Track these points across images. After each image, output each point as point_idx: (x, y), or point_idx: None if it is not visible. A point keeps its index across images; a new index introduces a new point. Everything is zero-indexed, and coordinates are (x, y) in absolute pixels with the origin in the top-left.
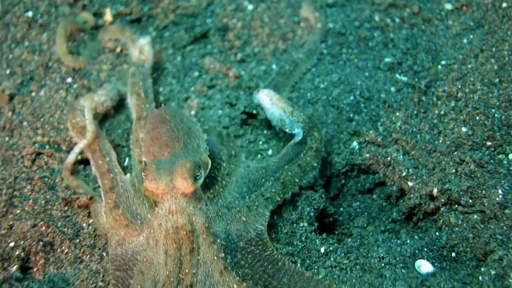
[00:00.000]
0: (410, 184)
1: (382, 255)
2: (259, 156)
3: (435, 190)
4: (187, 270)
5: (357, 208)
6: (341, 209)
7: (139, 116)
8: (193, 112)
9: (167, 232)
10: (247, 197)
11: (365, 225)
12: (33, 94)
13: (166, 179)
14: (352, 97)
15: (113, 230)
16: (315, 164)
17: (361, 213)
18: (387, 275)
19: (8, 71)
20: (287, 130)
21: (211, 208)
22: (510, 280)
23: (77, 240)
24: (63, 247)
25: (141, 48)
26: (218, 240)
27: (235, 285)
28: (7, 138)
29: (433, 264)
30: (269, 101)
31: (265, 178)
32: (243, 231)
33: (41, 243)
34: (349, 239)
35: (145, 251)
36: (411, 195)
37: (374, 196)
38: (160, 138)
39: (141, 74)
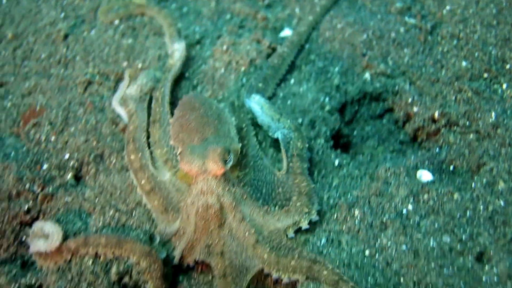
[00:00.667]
0: (415, 109)
1: (388, 167)
2: (282, 85)
3: (436, 114)
4: (216, 241)
5: (369, 131)
6: (355, 132)
7: (154, 119)
8: (225, 47)
9: (197, 210)
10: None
11: (376, 146)
12: (85, 34)
13: (199, 162)
14: (365, 36)
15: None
16: (300, 170)
17: (372, 135)
18: (392, 182)
19: (62, 15)
20: (270, 135)
21: (238, 190)
22: (499, 186)
23: (124, 153)
24: (112, 159)
25: (173, 52)
26: (248, 219)
27: (265, 255)
28: (62, 70)
29: (433, 174)
30: (259, 109)
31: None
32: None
33: (92, 155)
34: (361, 156)
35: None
36: (416, 119)
37: (384, 121)
38: (190, 124)
39: (165, 80)
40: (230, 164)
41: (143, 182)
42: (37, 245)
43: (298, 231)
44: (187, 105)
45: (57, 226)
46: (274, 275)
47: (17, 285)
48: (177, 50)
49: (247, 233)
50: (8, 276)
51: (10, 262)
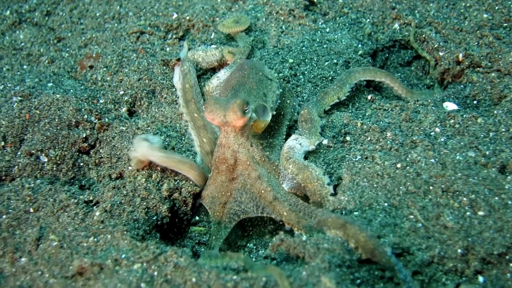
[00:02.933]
0: (441, 54)
1: (417, 102)
2: (319, 33)
3: (460, 56)
4: (223, 193)
5: (399, 77)
6: None
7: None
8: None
9: (214, 161)
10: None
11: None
12: None
13: (221, 112)
14: None
15: None
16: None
17: (402, 81)
18: (420, 111)
19: None
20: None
21: (257, 151)
22: None
23: (173, 89)
24: (163, 94)
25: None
26: (266, 179)
27: (285, 213)
28: (115, 24)
29: (458, 105)
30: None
31: None
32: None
33: (144, 91)
34: (391, 95)
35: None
36: (442, 62)
37: (412, 67)
38: (230, 82)
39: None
40: (248, 115)
41: (205, 140)
42: (141, 146)
43: (336, 150)
44: (239, 67)
45: (159, 137)
46: (294, 230)
47: (76, 200)
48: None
49: (263, 191)
50: (67, 193)
51: (69, 184)
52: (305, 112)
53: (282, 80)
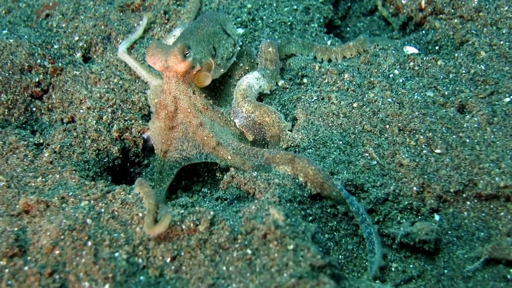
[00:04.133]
0: (403, 1)
1: (377, 43)
2: None
3: (423, 2)
4: (163, 140)
5: (361, 27)
6: (348, 28)
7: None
8: None
9: (156, 106)
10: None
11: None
12: None
13: (162, 57)
14: None
15: None
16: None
17: (364, 31)
18: (380, 54)
19: None
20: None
21: (200, 99)
22: (481, 56)
23: (129, 35)
24: (118, 39)
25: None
26: (208, 126)
27: (229, 157)
28: None
29: (419, 50)
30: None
31: None
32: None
33: (100, 37)
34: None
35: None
36: (404, 10)
37: (375, 17)
38: (185, 30)
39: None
40: (189, 59)
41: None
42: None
43: (292, 92)
44: (199, 18)
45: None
46: (228, 174)
47: (26, 142)
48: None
49: (206, 138)
50: (17, 136)
51: (21, 128)
52: (272, 51)
53: (247, 43)
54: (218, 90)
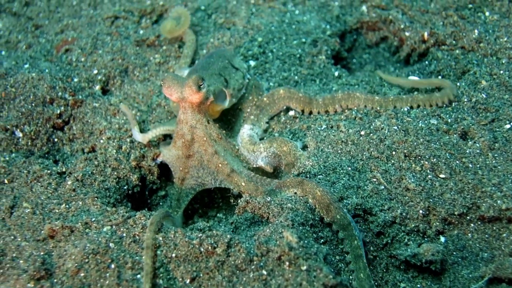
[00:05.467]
0: (407, 34)
1: (382, 75)
2: (288, 15)
3: (425, 34)
4: (181, 168)
5: (367, 58)
6: (354, 59)
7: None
8: None
9: (174, 136)
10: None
11: (373, 70)
12: None
13: (178, 88)
14: None
15: None
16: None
17: (369, 62)
18: (386, 84)
19: None
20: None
21: (214, 129)
22: (482, 85)
23: (146, 68)
24: (135, 72)
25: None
26: (222, 154)
27: (243, 183)
28: (91, 11)
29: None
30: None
31: None
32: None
33: (118, 70)
34: (359, 72)
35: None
36: (408, 42)
37: (380, 49)
38: (197, 66)
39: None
40: (204, 90)
41: None
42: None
43: (302, 121)
44: (208, 54)
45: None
46: (242, 200)
47: (49, 171)
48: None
49: (220, 165)
50: (41, 165)
51: (43, 158)
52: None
53: (253, 74)
54: (230, 123)
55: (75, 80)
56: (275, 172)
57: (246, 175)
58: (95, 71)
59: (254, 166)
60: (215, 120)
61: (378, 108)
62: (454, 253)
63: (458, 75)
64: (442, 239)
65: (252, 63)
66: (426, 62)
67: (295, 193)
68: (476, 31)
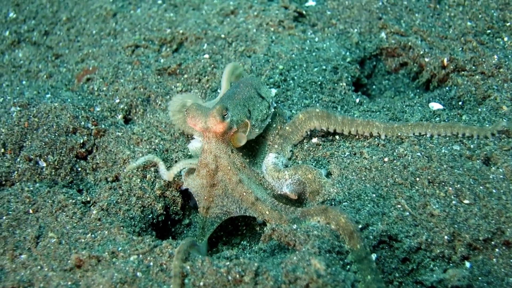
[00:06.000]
0: (426, 60)
1: (404, 102)
2: (308, 42)
3: (445, 60)
4: (206, 197)
5: (386, 84)
6: (374, 86)
7: None
8: (256, 13)
9: (197, 165)
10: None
11: (393, 96)
12: (131, 11)
13: (202, 118)
14: (380, 3)
15: None
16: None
17: (389, 88)
18: (407, 111)
19: None
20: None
21: (238, 158)
22: (503, 110)
23: (167, 96)
24: (157, 101)
25: None
26: (246, 182)
27: (267, 212)
28: (111, 40)
29: (443, 106)
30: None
31: None
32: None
33: (140, 99)
34: (379, 98)
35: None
36: (428, 68)
37: (399, 75)
38: (223, 95)
39: None
40: (227, 120)
41: None
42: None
43: (325, 148)
44: (236, 83)
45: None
46: (268, 228)
47: (74, 201)
48: None
49: (245, 193)
50: (66, 195)
51: (67, 187)
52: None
53: (280, 106)
54: (253, 150)
55: (97, 109)
56: (299, 199)
57: (271, 203)
58: (117, 100)
59: (279, 193)
60: (239, 149)
61: (399, 134)
62: (480, 278)
63: (479, 101)
64: (468, 264)
65: (273, 91)
66: (447, 88)
67: (318, 221)
68: (495, 56)
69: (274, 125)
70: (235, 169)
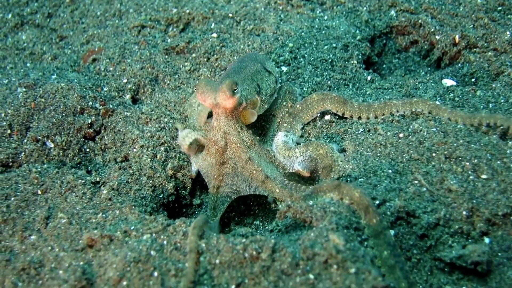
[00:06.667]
0: (437, 37)
1: (417, 79)
2: (317, 20)
3: (457, 37)
4: (215, 176)
5: (396, 63)
6: (384, 65)
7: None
8: None
9: (206, 142)
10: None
11: (403, 75)
12: None
13: (212, 94)
14: None
15: None
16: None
17: (399, 66)
18: (420, 87)
19: None
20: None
21: (248, 135)
22: None
23: (176, 76)
24: (166, 81)
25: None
26: (256, 160)
27: (277, 190)
28: (116, 21)
29: (456, 82)
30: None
31: None
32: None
33: (148, 79)
34: (390, 76)
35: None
36: (439, 45)
37: (410, 53)
38: (229, 70)
39: None
40: (238, 95)
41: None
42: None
43: (338, 125)
44: (240, 58)
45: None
46: (284, 205)
47: (83, 181)
48: None
49: (254, 171)
50: (74, 175)
51: (76, 168)
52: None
53: (286, 80)
54: (264, 129)
55: (105, 89)
56: (312, 176)
57: (280, 181)
58: (125, 80)
59: (291, 171)
60: (248, 126)
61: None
62: (499, 254)
63: (492, 77)
64: (487, 240)
65: (284, 68)
66: (459, 65)
67: (331, 198)
68: (508, 32)
69: (285, 103)
70: (245, 146)
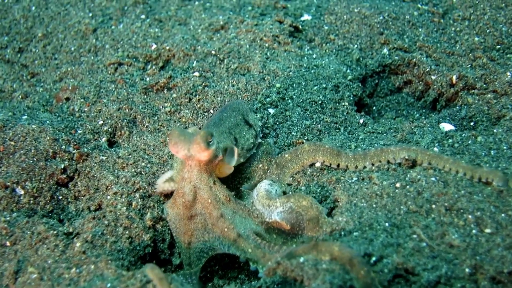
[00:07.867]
0: (433, 77)
1: (413, 122)
2: (305, 59)
3: (454, 78)
4: (189, 233)
5: (389, 104)
6: (374, 106)
7: None
8: (249, 27)
9: (175, 191)
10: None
11: (394, 118)
12: (113, 27)
13: (185, 145)
14: (381, 17)
15: None
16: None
17: (393, 108)
18: (416, 132)
19: (90, 14)
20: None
21: (221, 190)
22: None
23: (155, 118)
24: (144, 122)
25: None
26: (229, 217)
27: (250, 250)
28: (92, 58)
29: (454, 126)
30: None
31: None
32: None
33: (125, 121)
34: (383, 119)
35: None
36: (434, 86)
37: (403, 94)
38: (209, 121)
39: None
40: (213, 147)
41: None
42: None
43: (330, 173)
44: (223, 107)
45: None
46: (259, 269)
47: (55, 232)
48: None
49: (226, 229)
50: (46, 225)
51: (48, 217)
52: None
53: (271, 141)
54: (234, 189)
55: (79, 132)
56: (294, 231)
57: (253, 240)
58: (101, 122)
59: (268, 220)
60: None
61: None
62: None
63: (492, 121)
64: None
65: (271, 111)
66: (457, 108)
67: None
68: (508, 73)
69: (260, 165)
70: (217, 202)
